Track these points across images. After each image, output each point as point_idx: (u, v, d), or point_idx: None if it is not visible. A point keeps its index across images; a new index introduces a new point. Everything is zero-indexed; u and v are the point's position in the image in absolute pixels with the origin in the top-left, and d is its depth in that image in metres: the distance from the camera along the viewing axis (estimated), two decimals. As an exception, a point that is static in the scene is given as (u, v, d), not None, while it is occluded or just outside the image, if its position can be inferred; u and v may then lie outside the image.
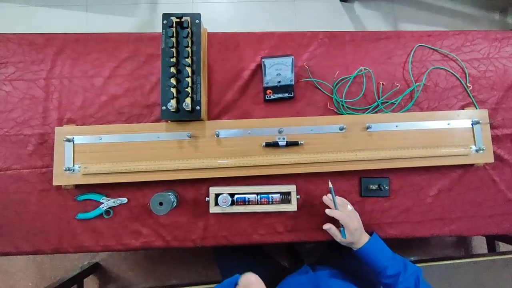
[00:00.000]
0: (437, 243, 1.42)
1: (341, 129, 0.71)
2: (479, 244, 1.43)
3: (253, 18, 1.60)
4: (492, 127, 0.76)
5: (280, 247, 1.34)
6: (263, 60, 0.71)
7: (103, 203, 0.70)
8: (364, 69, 0.77)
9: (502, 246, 1.36)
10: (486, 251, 1.39)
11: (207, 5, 1.59)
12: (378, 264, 0.63)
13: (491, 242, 1.37)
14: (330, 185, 0.68)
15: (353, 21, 1.63)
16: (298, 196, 0.71)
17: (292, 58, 0.71)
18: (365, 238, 0.65)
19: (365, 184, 0.74)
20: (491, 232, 0.77)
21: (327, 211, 0.65)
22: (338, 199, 0.67)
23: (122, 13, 1.54)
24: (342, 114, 0.75)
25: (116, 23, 1.54)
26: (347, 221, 0.63)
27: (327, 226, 0.67)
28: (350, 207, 0.68)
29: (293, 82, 0.73)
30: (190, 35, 0.67)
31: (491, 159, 0.73)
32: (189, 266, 1.37)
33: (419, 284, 0.60)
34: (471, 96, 0.77)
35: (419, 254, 1.40)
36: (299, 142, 0.70)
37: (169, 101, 0.64)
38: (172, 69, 0.66)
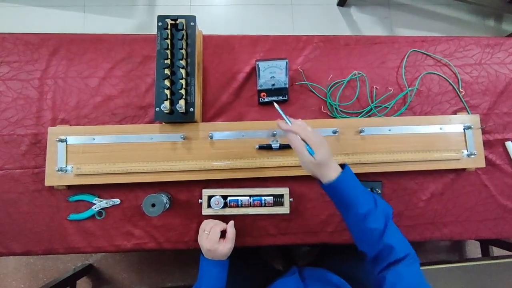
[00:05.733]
0: (431, 247, 1.43)
1: (335, 132, 0.71)
2: (473, 248, 1.44)
3: (250, 21, 1.61)
4: (484, 132, 0.77)
5: (274, 250, 1.34)
6: (257, 63, 0.71)
7: (95, 204, 0.70)
8: (358, 73, 0.77)
9: (496, 251, 1.37)
10: (480, 255, 1.40)
11: (205, 8, 1.60)
12: (350, 201, 0.53)
13: (485, 246, 1.37)
14: (276, 105, 0.58)
15: (349, 25, 1.64)
16: (291, 199, 0.71)
17: (286, 62, 0.71)
18: (335, 168, 0.54)
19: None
20: (483, 237, 0.77)
21: (279, 123, 0.56)
22: (297, 121, 0.57)
23: (120, 15, 1.55)
24: (335, 118, 0.75)
25: (113, 24, 1.54)
26: (309, 135, 0.53)
27: (290, 136, 0.54)
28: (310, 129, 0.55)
29: (287, 85, 0.73)
30: (184, 37, 0.68)
31: (482, 164, 0.74)
32: (184, 268, 1.36)
33: (388, 223, 0.53)
34: (463, 101, 0.78)
35: (414, 258, 1.40)
36: (293, 145, 0.70)
37: (163, 103, 0.64)
38: (167, 71, 0.66)
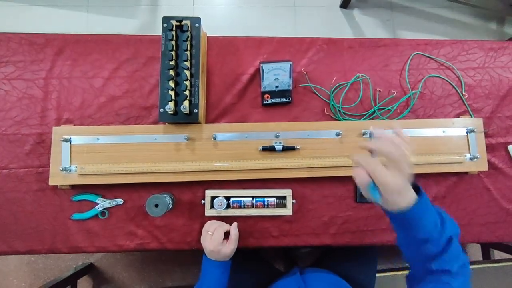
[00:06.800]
0: (432, 249, 1.42)
1: (338, 134, 0.72)
2: (474, 251, 1.44)
3: (253, 23, 1.61)
4: (487, 135, 0.77)
5: (276, 251, 1.34)
6: (261, 65, 0.72)
7: (98, 203, 0.70)
8: (361, 75, 0.77)
9: (497, 254, 1.37)
10: (481, 258, 1.40)
11: (207, 9, 1.61)
12: (412, 228, 0.45)
13: (486, 250, 1.37)
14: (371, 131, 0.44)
15: (352, 27, 1.65)
16: (294, 201, 0.71)
17: (290, 64, 0.71)
18: (406, 199, 0.43)
19: (360, 190, 0.74)
20: (485, 240, 0.77)
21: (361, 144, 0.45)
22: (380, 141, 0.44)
23: (123, 15, 1.55)
24: (338, 120, 0.75)
25: (116, 25, 1.54)
26: (376, 174, 0.41)
27: (355, 172, 0.44)
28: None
29: (290, 87, 0.74)
30: (189, 38, 0.68)
31: (485, 168, 0.74)
32: (185, 268, 1.36)
33: (447, 248, 0.44)
34: (466, 105, 0.78)
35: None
36: (296, 147, 0.71)
37: (167, 104, 0.64)
38: (171, 72, 0.66)
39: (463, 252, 0.47)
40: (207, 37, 0.76)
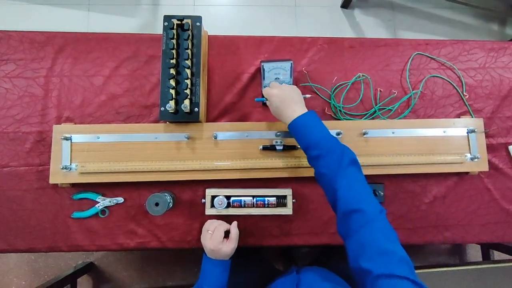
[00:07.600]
0: (432, 250, 1.43)
1: (338, 134, 0.72)
2: (474, 252, 1.44)
3: (254, 22, 1.61)
4: (487, 136, 0.77)
5: (275, 251, 1.34)
6: (262, 64, 0.72)
7: (99, 202, 0.70)
8: (362, 75, 0.77)
9: (497, 255, 1.37)
10: (480, 259, 1.40)
11: (208, 8, 1.61)
12: (302, 143, 0.57)
13: (486, 250, 1.37)
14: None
15: (353, 27, 1.65)
16: (294, 200, 0.71)
17: (291, 63, 0.71)
18: (292, 114, 0.57)
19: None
20: (485, 241, 0.77)
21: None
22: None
23: (124, 14, 1.55)
24: (339, 120, 0.75)
25: (117, 23, 1.54)
26: (267, 91, 0.63)
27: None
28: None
29: (291, 87, 0.74)
30: (190, 37, 0.68)
31: (485, 168, 0.74)
32: (185, 267, 1.36)
33: (343, 170, 0.50)
34: (467, 105, 0.78)
35: (413, 261, 1.40)
36: (296, 146, 0.71)
37: (168, 102, 0.64)
38: (172, 71, 0.66)
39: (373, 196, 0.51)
40: (208, 36, 0.76)
